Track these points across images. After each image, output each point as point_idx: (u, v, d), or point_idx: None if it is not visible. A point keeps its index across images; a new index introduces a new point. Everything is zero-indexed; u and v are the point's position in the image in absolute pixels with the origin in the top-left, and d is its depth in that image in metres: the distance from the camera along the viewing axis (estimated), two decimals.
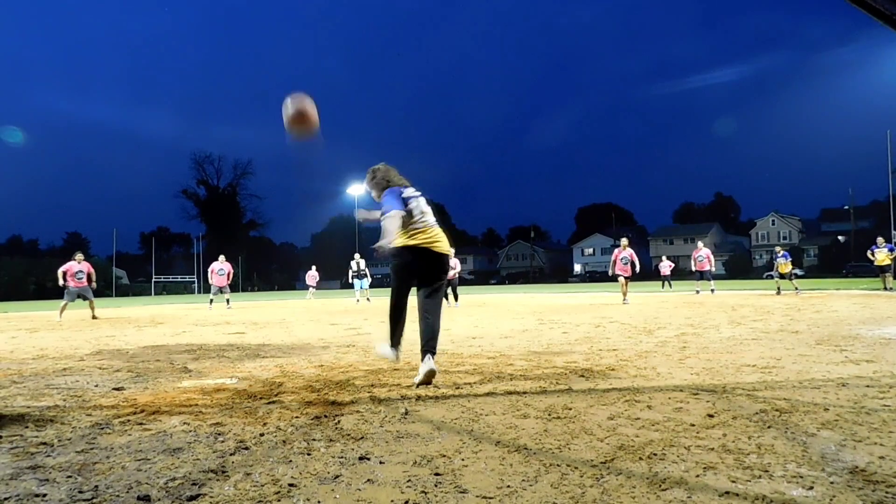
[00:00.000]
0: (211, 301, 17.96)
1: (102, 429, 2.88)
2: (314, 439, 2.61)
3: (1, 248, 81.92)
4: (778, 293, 17.46)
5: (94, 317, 13.72)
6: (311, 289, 27.74)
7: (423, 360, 3.92)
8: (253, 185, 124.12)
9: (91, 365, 5.29)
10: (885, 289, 18.48)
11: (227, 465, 2.26)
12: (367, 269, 20.99)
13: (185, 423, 2.95)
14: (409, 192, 4.19)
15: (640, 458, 2.23)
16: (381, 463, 2.27)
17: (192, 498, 1.93)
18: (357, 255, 21.02)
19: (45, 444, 2.63)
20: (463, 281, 79.54)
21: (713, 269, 19.95)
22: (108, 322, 12.33)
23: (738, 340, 5.96)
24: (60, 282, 13.56)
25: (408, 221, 4.05)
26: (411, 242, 4.00)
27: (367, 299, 20.36)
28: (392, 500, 1.89)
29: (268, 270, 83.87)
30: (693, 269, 20.27)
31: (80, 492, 2.01)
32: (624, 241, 15.21)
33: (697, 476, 2.03)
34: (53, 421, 3.07)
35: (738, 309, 11.01)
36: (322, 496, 1.94)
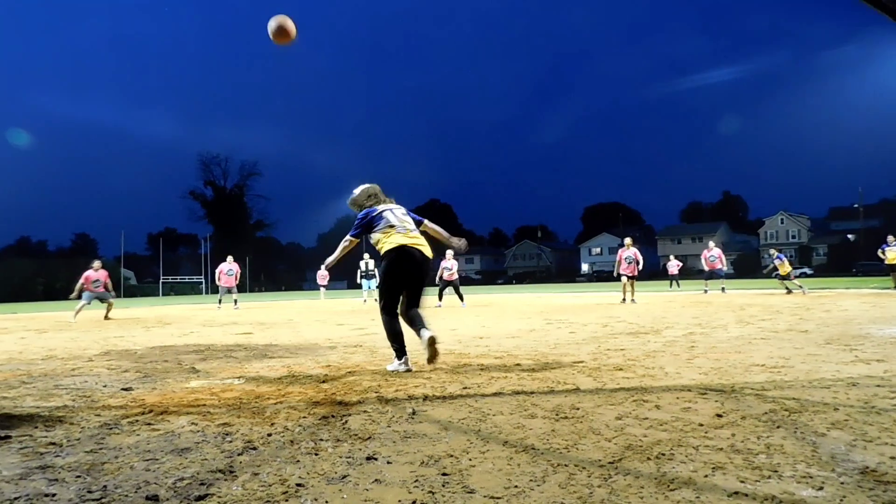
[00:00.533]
0: (220, 301, 18.01)
1: (111, 429, 2.89)
2: (322, 439, 2.62)
3: (10, 249, 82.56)
4: (789, 292, 17.40)
5: (106, 317, 13.78)
6: (322, 288, 27.51)
7: (420, 336, 4.33)
8: (259, 185, 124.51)
9: (99, 365, 5.32)
10: None
11: (234, 465, 2.26)
12: (375, 270, 20.98)
13: (193, 424, 2.96)
14: (381, 207, 4.75)
15: (649, 458, 2.22)
16: (388, 463, 2.26)
17: (200, 498, 1.94)
18: (366, 256, 21.02)
19: (54, 444, 2.64)
20: (470, 281, 79.59)
21: (725, 268, 19.72)
22: (116, 323, 12.40)
23: (747, 340, 5.93)
24: (76, 294, 13.62)
25: (391, 229, 4.61)
26: (393, 242, 4.51)
27: (375, 300, 20.37)
28: (399, 500, 1.89)
29: (275, 271, 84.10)
30: (705, 268, 19.82)
31: (89, 492, 2.02)
32: (627, 240, 15.09)
33: (706, 476, 2.02)
34: (62, 421, 3.09)
35: (746, 308, 10.96)
36: (329, 496, 1.94)
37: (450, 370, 4.50)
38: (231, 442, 2.60)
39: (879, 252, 19.59)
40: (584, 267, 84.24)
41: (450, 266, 16.06)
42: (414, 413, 3.09)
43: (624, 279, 14.77)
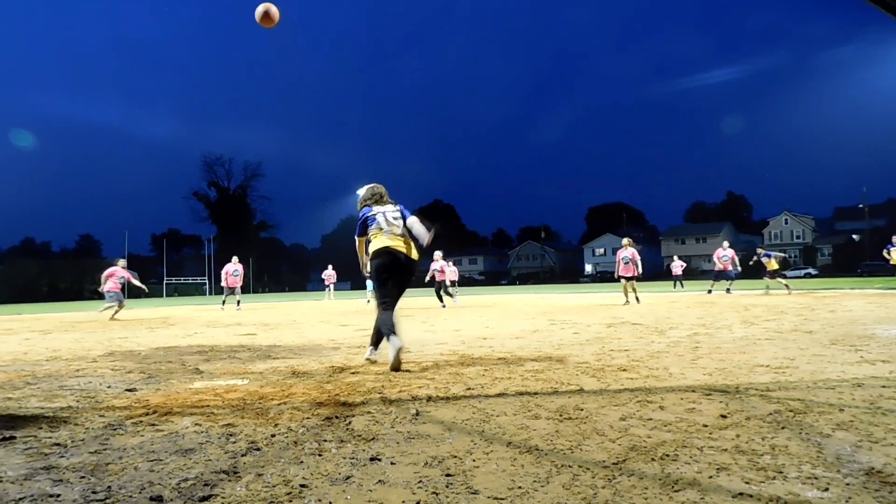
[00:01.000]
0: (224, 302, 18.01)
1: (115, 430, 2.90)
2: (325, 440, 2.62)
3: (14, 250, 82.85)
4: (788, 291, 17.56)
5: (112, 317, 13.83)
6: (329, 288, 27.09)
7: (388, 340, 4.63)
8: (263, 186, 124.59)
9: (103, 366, 5.33)
10: None
11: (238, 466, 2.26)
12: None
13: (196, 424, 2.96)
14: (376, 209, 5.04)
15: (653, 459, 2.22)
16: (392, 464, 2.26)
17: (204, 498, 1.94)
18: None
19: (58, 444, 2.65)
20: (473, 282, 79.62)
21: (736, 269, 19.31)
22: (120, 323, 12.43)
23: (751, 340, 5.91)
24: (102, 287, 13.70)
25: (379, 230, 4.94)
26: (378, 244, 4.88)
27: None
28: (403, 501, 1.89)
29: (278, 271, 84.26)
30: (718, 266, 19.36)
31: (94, 492, 2.02)
32: (625, 241, 14.92)
33: (710, 477, 2.02)
34: (67, 422, 3.10)
35: (750, 309, 10.93)
36: (333, 497, 1.94)
37: (453, 371, 4.50)
38: (235, 443, 2.60)
39: (885, 252, 19.54)
40: (588, 267, 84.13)
41: (438, 267, 16.10)
42: (417, 414, 3.09)
43: (623, 281, 14.61)
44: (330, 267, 26.94)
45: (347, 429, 2.81)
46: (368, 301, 20.24)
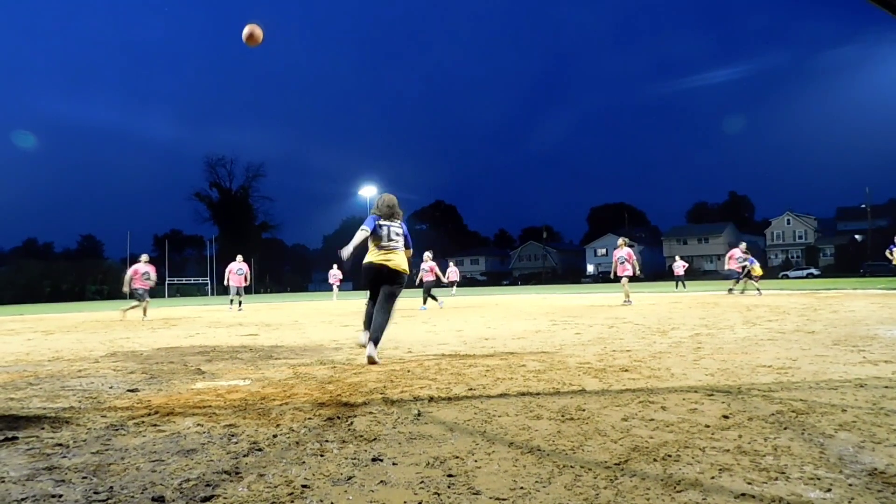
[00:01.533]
0: (231, 302, 17.86)
1: (117, 430, 2.90)
2: (327, 440, 2.62)
3: (17, 250, 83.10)
4: (759, 293, 18.01)
5: (144, 317, 13.77)
6: (335, 288, 26.60)
7: (367, 345, 5.14)
8: (265, 187, 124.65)
9: (106, 367, 5.34)
10: None
11: (240, 467, 2.26)
12: None
13: (198, 425, 2.96)
14: (385, 222, 5.50)
15: (655, 460, 2.21)
16: (393, 464, 2.26)
17: (205, 499, 1.94)
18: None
19: (60, 445, 2.65)
20: (475, 282, 79.64)
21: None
22: (122, 324, 12.44)
23: (754, 341, 5.90)
24: (125, 288, 13.70)
25: (377, 243, 5.43)
26: (370, 259, 5.42)
27: None
28: (405, 502, 1.89)
29: (280, 272, 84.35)
30: (734, 268, 18.97)
31: (96, 492, 2.02)
32: (620, 240, 14.86)
33: (713, 478, 2.01)
34: (69, 422, 3.10)
35: (753, 309, 10.92)
36: (335, 497, 1.94)
37: (455, 371, 4.49)
38: (237, 443, 2.60)
39: (887, 252, 19.50)
40: (590, 268, 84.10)
41: (427, 268, 16.07)
42: (419, 414, 3.08)
43: (623, 280, 14.55)
44: (335, 266, 26.52)
45: (349, 429, 2.81)
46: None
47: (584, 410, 3.06)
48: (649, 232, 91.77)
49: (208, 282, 64.05)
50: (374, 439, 2.62)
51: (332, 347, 6.53)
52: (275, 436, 2.71)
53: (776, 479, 1.99)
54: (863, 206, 68.95)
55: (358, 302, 22.29)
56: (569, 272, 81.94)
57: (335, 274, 26.27)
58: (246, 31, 5.78)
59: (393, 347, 6.23)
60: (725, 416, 2.84)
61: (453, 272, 30.73)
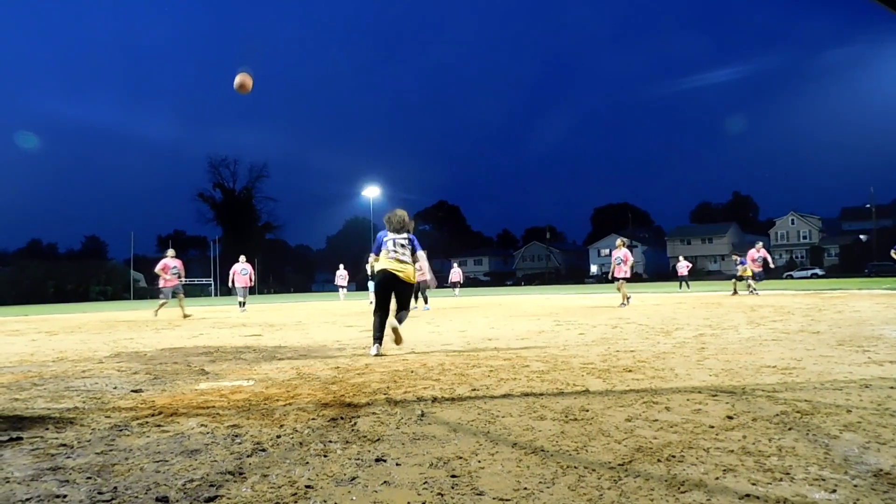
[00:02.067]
0: (241, 303, 17.65)
1: (121, 430, 2.91)
2: (330, 441, 2.62)
3: (21, 251, 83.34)
4: (734, 294, 18.55)
5: (184, 315, 13.72)
6: (342, 289, 25.99)
7: (389, 323, 5.84)
8: (268, 187, 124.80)
9: (109, 367, 5.35)
10: None
11: (244, 467, 2.27)
12: None
13: (202, 425, 2.96)
14: (389, 235, 6.07)
15: (659, 460, 2.21)
16: (397, 465, 2.26)
17: (209, 499, 1.94)
18: (371, 257, 20.95)
19: (64, 445, 2.65)
20: (478, 282, 79.60)
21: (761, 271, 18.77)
22: (125, 324, 12.47)
23: (758, 341, 5.89)
24: (161, 282, 13.67)
25: (385, 253, 6.02)
26: (379, 266, 6.05)
27: None
28: (409, 502, 1.89)
29: (283, 272, 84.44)
30: (753, 269, 18.50)
31: (100, 493, 2.03)
32: (619, 240, 14.60)
33: (717, 478, 2.01)
34: (73, 423, 3.11)
35: (757, 309, 10.89)
36: (339, 498, 1.94)
37: (458, 372, 4.49)
38: (240, 443, 2.61)
39: (893, 252, 19.40)
40: (593, 268, 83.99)
41: (418, 268, 15.81)
42: (423, 415, 3.08)
43: (617, 281, 14.24)
44: (341, 266, 25.92)
45: (353, 430, 2.81)
46: (371, 302, 20.27)
47: (587, 411, 3.06)
48: (653, 232, 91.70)
49: (212, 282, 64.15)
50: (378, 440, 2.62)
51: (335, 348, 6.53)
52: (278, 436, 2.71)
53: (781, 479, 1.98)
54: (867, 206, 68.65)
55: (362, 302, 22.30)
56: (572, 272, 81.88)
57: (342, 274, 25.68)
58: (237, 80, 6.30)
59: (395, 348, 6.23)
60: (730, 417, 2.84)
61: (456, 273, 30.67)
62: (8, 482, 2.16)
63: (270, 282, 75.09)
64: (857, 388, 3.46)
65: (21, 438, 2.79)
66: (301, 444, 2.58)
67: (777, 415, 2.86)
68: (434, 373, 4.49)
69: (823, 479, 1.97)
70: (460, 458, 2.32)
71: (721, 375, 4.01)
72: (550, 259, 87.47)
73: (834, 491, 1.87)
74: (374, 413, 3.16)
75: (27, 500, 1.98)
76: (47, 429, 2.98)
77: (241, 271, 17.15)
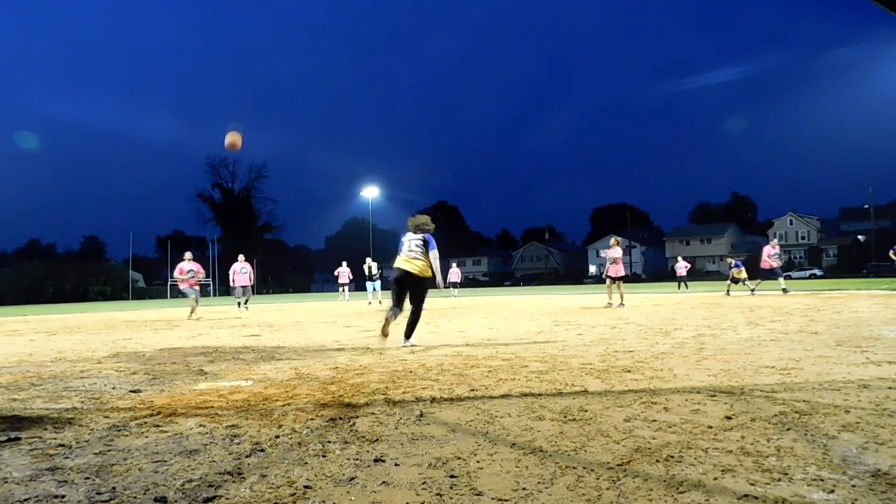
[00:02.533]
0: (239, 304, 17.58)
1: (120, 431, 2.90)
2: (329, 441, 2.62)
3: (20, 251, 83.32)
4: (727, 294, 18.44)
5: (189, 317, 13.64)
6: (344, 289, 25.02)
7: (404, 342, 6.42)
8: (267, 188, 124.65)
9: (108, 367, 5.34)
10: None
11: (242, 467, 2.27)
12: (378, 272, 20.89)
13: (201, 425, 2.96)
14: (409, 235, 6.56)
15: (657, 461, 2.21)
16: (396, 465, 2.26)
17: (208, 500, 1.94)
18: (369, 259, 20.93)
19: (63, 445, 2.65)
20: (477, 283, 79.58)
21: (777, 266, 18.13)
22: (124, 324, 12.47)
23: (757, 341, 5.89)
24: (181, 286, 13.64)
25: (401, 252, 6.53)
26: (395, 265, 6.51)
27: (380, 301, 20.31)
28: (407, 502, 1.89)
29: (282, 273, 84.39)
30: (767, 266, 17.93)
31: (98, 493, 2.03)
32: (613, 240, 14.48)
33: (715, 479, 2.01)
34: (72, 423, 3.11)
35: (756, 310, 10.90)
36: (337, 498, 1.94)
37: (457, 372, 4.49)
38: (239, 444, 2.60)
39: (891, 253, 19.44)
40: (592, 268, 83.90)
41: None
42: (421, 415, 3.08)
43: (608, 281, 14.10)
44: (344, 264, 25.07)
45: (351, 430, 2.81)
46: (370, 303, 20.27)
47: (586, 411, 3.06)
48: (652, 232, 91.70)
49: (210, 283, 64.07)
50: (377, 440, 2.61)
51: (334, 348, 6.53)
52: (277, 436, 2.71)
53: (779, 480, 1.99)
54: (866, 206, 68.71)
55: (363, 303, 22.32)
56: (571, 273, 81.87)
57: (344, 272, 24.86)
58: (228, 140, 6.87)
59: (395, 349, 6.23)
60: (728, 417, 2.84)
61: (455, 273, 30.63)
62: (6, 482, 2.16)
63: (269, 282, 75.01)
64: (855, 388, 3.47)
65: (19, 439, 2.78)
66: (300, 444, 2.58)
67: (776, 415, 2.86)
68: (433, 373, 4.49)
69: (822, 480, 1.98)
70: (459, 458, 2.32)
71: (720, 376, 4.01)
72: (549, 259, 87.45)
73: (832, 491, 1.88)
74: (372, 413, 3.15)
75: (25, 500, 1.98)
76: (46, 429, 2.98)
77: (241, 270, 17.09)
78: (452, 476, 2.11)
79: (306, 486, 2.04)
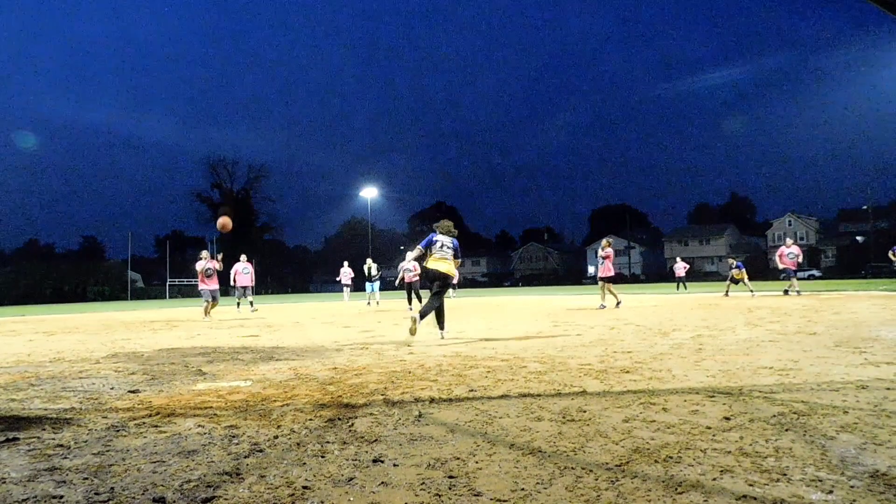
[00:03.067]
0: (238, 304, 17.58)
1: (118, 431, 2.90)
2: (328, 442, 2.62)
3: (18, 252, 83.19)
4: (726, 295, 18.55)
5: (205, 316, 13.43)
6: (347, 289, 23.89)
7: (441, 335, 7.50)
8: (266, 188, 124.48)
9: (107, 368, 5.34)
10: None
11: (241, 468, 2.26)
12: (378, 273, 20.85)
13: (199, 426, 2.96)
14: (439, 237, 7.45)
15: (656, 461, 2.21)
16: (394, 465, 2.26)
17: (206, 500, 1.94)
18: (369, 260, 20.90)
19: (61, 446, 2.65)
20: (476, 283, 79.60)
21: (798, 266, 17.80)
22: (123, 325, 12.45)
23: (755, 342, 5.90)
24: (201, 285, 13.56)
25: (432, 254, 7.41)
26: (426, 264, 7.46)
27: (377, 302, 20.29)
28: (406, 503, 1.89)
29: (281, 273, 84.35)
30: (783, 266, 17.56)
31: (97, 493, 2.03)
32: (604, 241, 14.24)
33: (714, 479, 2.01)
34: (70, 423, 3.10)
35: (754, 311, 10.91)
36: (336, 498, 1.94)
37: (456, 373, 4.49)
38: (237, 444, 2.60)
39: (891, 253, 19.47)
40: (591, 269, 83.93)
41: (410, 268, 15.32)
42: (420, 416, 3.08)
43: (601, 282, 13.87)
44: (346, 264, 23.92)
45: (350, 430, 2.81)
46: (368, 303, 20.26)
47: (585, 412, 3.06)
48: (651, 233, 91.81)
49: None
50: (375, 440, 2.61)
51: (333, 349, 6.53)
52: (276, 437, 2.71)
53: (778, 480, 1.99)
54: (864, 207, 68.84)
55: (363, 303, 22.31)
56: (570, 273, 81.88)
57: (346, 272, 23.73)
58: (220, 222, 7.93)
59: (393, 349, 6.23)
60: (727, 418, 2.84)
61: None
62: (4, 483, 2.16)
63: (268, 282, 74.98)
64: (853, 389, 3.47)
65: (18, 439, 2.78)
66: (298, 444, 2.58)
67: (774, 416, 2.86)
68: (432, 373, 4.49)
69: (820, 480, 1.98)
70: (458, 458, 2.32)
71: (718, 376, 4.01)
72: (548, 260, 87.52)
73: (831, 492, 1.88)
74: (371, 414, 3.15)
75: (24, 500, 1.98)
76: (44, 429, 2.97)
77: (243, 270, 17.05)
78: (451, 476, 2.11)
79: (305, 487, 2.04)
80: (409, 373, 4.54)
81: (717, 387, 3.64)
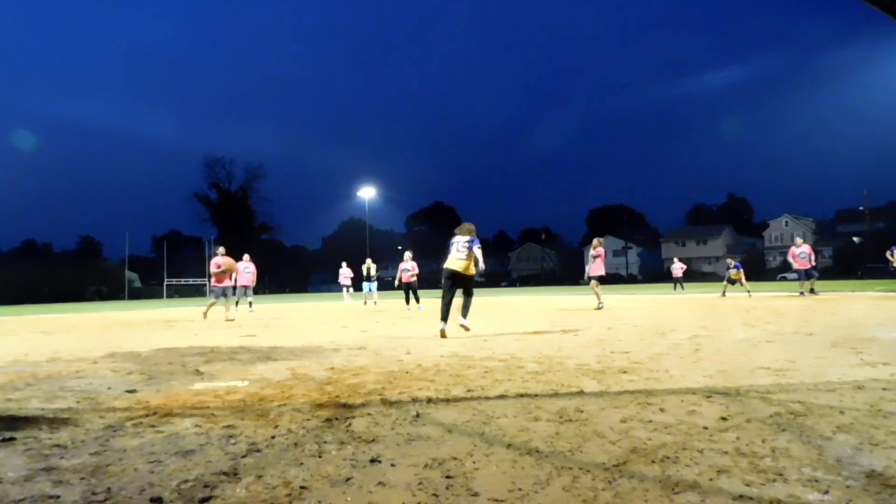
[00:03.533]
0: (237, 303, 17.48)
1: (115, 431, 2.90)
2: (325, 442, 2.62)
3: (15, 251, 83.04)
4: (723, 295, 18.58)
5: (227, 319, 12.68)
6: (347, 289, 23.28)
7: (461, 321, 7.65)
8: (264, 188, 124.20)
9: (104, 367, 5.33)
10: None
11: (238, 467, 2.26)
12: (377, 274, 20.81)
13: (197, 426, 2.96)
14: (456, 238, 7.91)
15: (653, 462, 2.22)
16: (392, 465, 2.26)
17: (204, 500, 1.94)
18: (368, 260, 20.88)
19: (58, 445, 2.65)
20: (474, 284, 79.43)
21: (814, 265, 17.38)
22: (120, 324, 12.43)
23: (752, 343, 5.91)
24: (212, 282, 13.09)
25: (450, 253, 7.86)
26: (445, 264, 7.89)
27: (374, 302, 20.26)
28: (403, 503, 1.89)
29: (279, 273, 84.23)
30: (797, 266, 17.13)
31: (94, 493, 2.02)
32: (595, 240, 13.91)
33: (711, 479, 2.01)
34: (67, 423, 3.10)
35: (751, 311, 10.92)
36: (333, 498, 1.94)
37: (454, 373, 4.49)
38: (235, 444, 2.60)
39: (888, 254, 19.50)
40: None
41: (408, 268, 15.25)
42: (418, 416, 3.08)
43: (592, 282, 13.61)
44: (344, 265, 23.49)
45: (347, 430, 2.81)
46: (365, 303, 20.25)
47: (582, 412, 3.06)
48: (648, 234, 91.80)
49: (207, 283, 63.88)
50: (373, 440, 2.62)
51: (330, 349, 6.52)
52: (273, 437, 2.71)
53: (774, 480, 1.99)
54: (861, 208, 69.02)
55: (361, 303, 22.29)
56: (568, 274, 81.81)
57: (346, 272, 23.28)
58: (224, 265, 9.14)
59: (392, 349, 6.23)
60: (724, 418, 2.85)
61: None
62: (1, 482, 2.15)
63: (266, 282, 74.86)
64: (850, 389, 3.48)
65: (14, 439, 2.78)
66: (296, 444, 2.58)
67: (771, 416, 2.87)
68: (429, 374, 4.49)
69: (817, 480, 1.98)
70: (455, 458, 2.32)
71: (715, 377, 4.02)
72: (546, 260, 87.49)
73: (827, 492, 1.88)
74: (369, 414, 3.15)
75: (21, 500, 1.98)
76: (41, 429, 2.97)
77: (245, 270, 16.95)
78: (448, 476, 2.12)
79: (302, 487, 2.04)
80: (407, 373, 4.54)
81: (715, 387, 3.65)
